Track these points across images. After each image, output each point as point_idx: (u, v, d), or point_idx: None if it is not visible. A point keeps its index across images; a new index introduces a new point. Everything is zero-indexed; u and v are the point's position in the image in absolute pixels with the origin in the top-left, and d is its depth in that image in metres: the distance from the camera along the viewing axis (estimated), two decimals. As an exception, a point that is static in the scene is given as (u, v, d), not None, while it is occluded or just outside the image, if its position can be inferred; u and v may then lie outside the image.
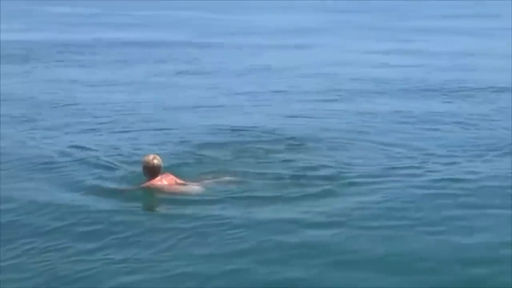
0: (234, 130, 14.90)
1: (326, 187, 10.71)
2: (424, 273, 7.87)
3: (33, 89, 20.19)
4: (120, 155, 12.61)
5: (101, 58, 29.08)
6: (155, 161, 10.14)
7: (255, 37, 43.47)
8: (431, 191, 10.73)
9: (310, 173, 11.50)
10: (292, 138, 14.08)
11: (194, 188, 10.24)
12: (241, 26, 56.76)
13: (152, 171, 10.12)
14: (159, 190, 10.15)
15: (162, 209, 10.05)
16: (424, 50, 32.41)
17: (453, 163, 12.19)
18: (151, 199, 10.21)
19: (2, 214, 9.49)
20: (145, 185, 10.16)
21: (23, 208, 9.75)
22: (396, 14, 60.47)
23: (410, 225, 9.32)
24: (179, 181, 10.37)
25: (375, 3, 67.51)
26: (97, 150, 12.83)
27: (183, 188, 10.23)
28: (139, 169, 10.64)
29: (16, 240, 8.61)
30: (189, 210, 9.57)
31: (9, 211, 9.67)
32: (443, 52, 30.78)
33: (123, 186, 10.39)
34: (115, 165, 11.82)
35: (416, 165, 12.01)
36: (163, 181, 10.19)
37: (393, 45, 34.80)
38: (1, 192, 10.30)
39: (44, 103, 17.87)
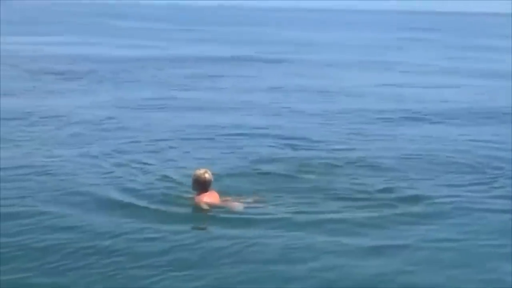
0: (294, 147, 14.91)
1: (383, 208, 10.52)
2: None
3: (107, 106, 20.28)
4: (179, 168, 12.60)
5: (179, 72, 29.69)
6: (206, 175, 10.09)
7: (323, 54, 43.52)
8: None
9: (365, 195, 11.23)
10: (356, 157, 13.85)
11: (237, 206, 10.11)
12: (306, 41, 57.25)
13: (202, 185, 10.08)
14: (206, 206, 10.04)
15: (206, 226, 9.78)
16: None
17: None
18: (197, 215, 10.03)
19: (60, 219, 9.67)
20: (195, 200, 10.11)
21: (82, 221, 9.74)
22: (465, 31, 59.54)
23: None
24: (222, 199, 10.26)
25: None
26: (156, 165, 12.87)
27: (227, 206, 10.10)
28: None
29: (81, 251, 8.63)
30: (235, 229, 9.38)
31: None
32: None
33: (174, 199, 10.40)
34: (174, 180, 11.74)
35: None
36: (209, 198, 10.11)
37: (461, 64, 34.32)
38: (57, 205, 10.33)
39: (116, 118, 17.96)
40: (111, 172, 12.18)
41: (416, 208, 10.50)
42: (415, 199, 10.95)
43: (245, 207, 10.14)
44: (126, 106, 19.93)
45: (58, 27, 72.45)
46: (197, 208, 10.07)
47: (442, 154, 14.47)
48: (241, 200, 10.34)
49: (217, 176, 11.17)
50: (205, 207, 10.02)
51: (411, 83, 27.89)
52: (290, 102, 21.78)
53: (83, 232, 9.14)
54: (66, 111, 18.52)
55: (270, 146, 14.99)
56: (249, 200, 10.40)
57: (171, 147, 14.48)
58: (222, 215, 9.85)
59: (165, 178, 11.73)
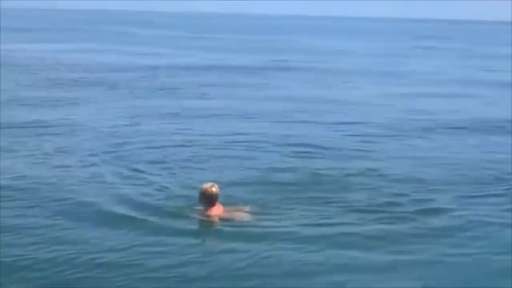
0: (306, 156, 14.85)
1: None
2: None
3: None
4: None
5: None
6: (213, 189, 9.95)
7: (335, 63, 43.51)
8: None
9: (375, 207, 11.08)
10: (370, 168, 13.71)
11: (245, 217, 10.10)
12: (319, 49, 57.25)
13: (209, 199, 9.96)
14: (216, 219, 9.98)
15: (216, 239, 9.69)
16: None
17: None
18: (206, 228, 9.96)
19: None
20: (203, 213, 10.02)
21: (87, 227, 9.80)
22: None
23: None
24: (228, 209, 10.22)
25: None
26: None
27: (235, 217, 10.06)
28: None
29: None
30: (244, 243, 9.28)
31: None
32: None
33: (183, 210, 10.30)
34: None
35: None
36: (218, 211, 10.04)
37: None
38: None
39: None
40: (120, 184, 12.10)
41: (431, 221, 10.33)
42: (430, 212, 10.78)
43: (255, 219, 10.04)
44: (138, 115, 19.85)
45: (72, 35, 73.09)
46: (205, 221, 9.96)
47: (457, 166, 14.26)
48: (247, 210, 10.28)
49: (228, 185, 11.17)
50: (215, 220, 9.93)
51: (427, 93, 27.63)
52: (302, 111, 21.64)
53: (91, 245, 9.05)
54: (77, 120, 18.53)
55: (282, 155, 14.91)
56: (255, 210, 10.32)
57: (182, 157, 14.37)
58: (231, 228, 9.73)
59: (175, 189, 11.66)
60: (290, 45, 64.46)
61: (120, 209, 10.51)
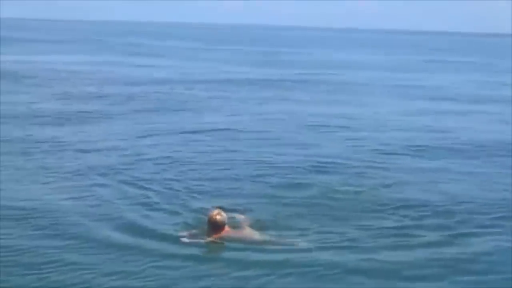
0: (321, 173, 14.83)
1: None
2: None
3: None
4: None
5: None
6: (218, 217, 9.97)
7: (349, 75, 43.60)
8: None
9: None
10: (387, 189, 13.60)
11: (254, 235, 10.13)
12: (335, 62, 57.44)
13: (214, 226, 9.99)
14: (221, 240, 9.98)
15: (227, 261, 9.52)
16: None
17: None
18: (215, 253, 9.90)
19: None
20: (210, 239, 9.98)
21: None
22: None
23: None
24: (236, 231, 10.22)
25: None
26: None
27: (243, 237, 10.06)
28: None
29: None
30: (254, 265, 9.26)
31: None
32: None
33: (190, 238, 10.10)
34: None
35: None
36: (226, 234, 10.02)
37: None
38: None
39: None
40: (130, 204, 12.00)
41: (451, 248, 10.04)
42: (449, 237, 10.48)
43: (266, 240, 9.99)
44: (152, 131, 19.78)
45: (90, 47, 73.65)
46: (213, 245, 9.87)
47: (478, 187, 13.98)
48: (256, 229, 10.30)
49: (242, 201, 11.78)
50: (221, 243, 9.90)
51: (445, 110, 27.28)
52: (317, 126, 21.65)
53: (98, 268, 8.98)
54: (88, 137, 18.43)
55: (297, 172, 14.81)
56: (263, 233, 10.23)
57: (193, 176, 14.28)
58: (239, 247, 9.73)
59: (185, 212, 11.55)
60: (302, 58, 64.68)
61: (128, 233, 10.38)
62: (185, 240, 9.84)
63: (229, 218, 10.21)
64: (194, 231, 10.11)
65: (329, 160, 16.12)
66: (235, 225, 10.39)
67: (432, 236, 10.50)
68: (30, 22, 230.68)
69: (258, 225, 10.57)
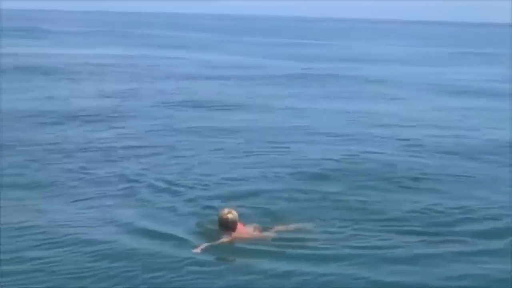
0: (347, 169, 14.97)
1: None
2: None
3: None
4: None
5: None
6: (229, 216, 9.81)
7: (381, 71, 42.76)
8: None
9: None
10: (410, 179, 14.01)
11: (267, 236, 10.09)
12: (360, 56, 56.50)
13: (225, 225, 9.82)
14: (238, 240, 9.87)
15: (244, 261, 9.46)
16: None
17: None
18: (230, 252, 9.76)
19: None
20: (222, 241, 9.79)
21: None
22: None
23: None
24: (250, 230, 10.19)
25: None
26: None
27: (257, 238, 10.02)
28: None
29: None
30: (268, 263, 9.28)
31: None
32: None
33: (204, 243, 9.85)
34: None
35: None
36: (238, 234, 9.88)
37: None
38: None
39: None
40: (151, 199, 12.27)
41: (478, 245, 10.17)
42: (483, 233, 10.65)
43: (281, 238, 10.00)
44: (175, 128, 19.99)
45: (120, 40, 73.60)
46: (226, 246, 9.75)
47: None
48: (275, 229, 10.31)
49: (261, 200, 12.05)
50: (233, 242, 9.83)
51: (472, 107, 26.84)
52: (342, 125, 21.40)
53: (119, 260, 9.25)
54: (115, 139, 18.29)
55: (320, 169, 14.84)
56: (281, 228, 10.35)
57: (212, 169, 14.60)
58: (254, 248, 9.70)
59: (202, 210, 11.62)
60: (320, 51, 63.06)
61: (142, 236, 10.34)
62: (197, 251, 9.53)
63: (240, 216, 10.02)
64: (206, 244, 9.66)
65: (357, 159, 16.10)
66: (248, 224, 10.25)
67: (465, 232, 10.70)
68: (47, 14, 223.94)
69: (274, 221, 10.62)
